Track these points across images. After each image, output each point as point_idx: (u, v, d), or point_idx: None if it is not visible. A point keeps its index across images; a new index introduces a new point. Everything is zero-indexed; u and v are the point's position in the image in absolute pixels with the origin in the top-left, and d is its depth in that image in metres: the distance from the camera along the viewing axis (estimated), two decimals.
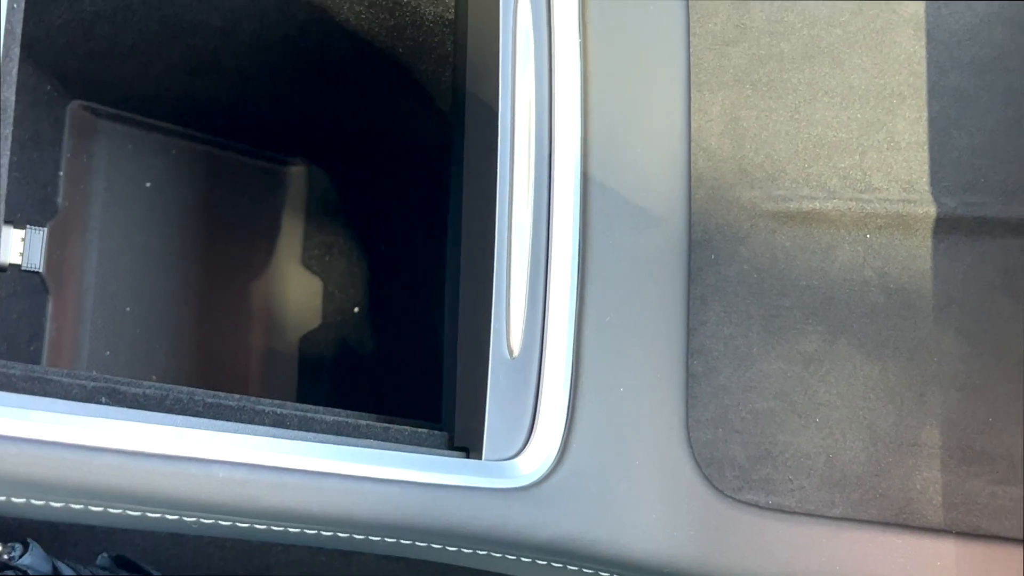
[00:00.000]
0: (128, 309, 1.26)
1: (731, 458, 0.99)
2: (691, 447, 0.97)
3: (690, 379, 0.99)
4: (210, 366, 1.33)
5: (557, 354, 0.94)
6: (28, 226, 1.00)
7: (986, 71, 1.04)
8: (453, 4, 1.07)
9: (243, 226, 1.37)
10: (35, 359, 1.16)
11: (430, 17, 1.11)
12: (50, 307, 1.18)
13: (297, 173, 1.40)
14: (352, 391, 1.35)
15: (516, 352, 0.94)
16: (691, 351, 1.00)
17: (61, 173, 1.21)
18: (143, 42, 1.13)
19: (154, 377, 1.26)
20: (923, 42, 1.04)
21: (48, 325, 1.18)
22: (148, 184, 1.29)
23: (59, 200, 1.21)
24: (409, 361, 1.32)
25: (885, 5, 1.05)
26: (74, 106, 1.23)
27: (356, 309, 1.37)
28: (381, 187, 1.38)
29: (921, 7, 1.05)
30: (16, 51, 0.79)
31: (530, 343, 0.94)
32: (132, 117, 1.27)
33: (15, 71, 0.80)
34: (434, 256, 1.20)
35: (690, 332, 1.00)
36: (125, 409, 0.78)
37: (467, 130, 1.00)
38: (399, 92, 1.23)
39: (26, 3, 0.81)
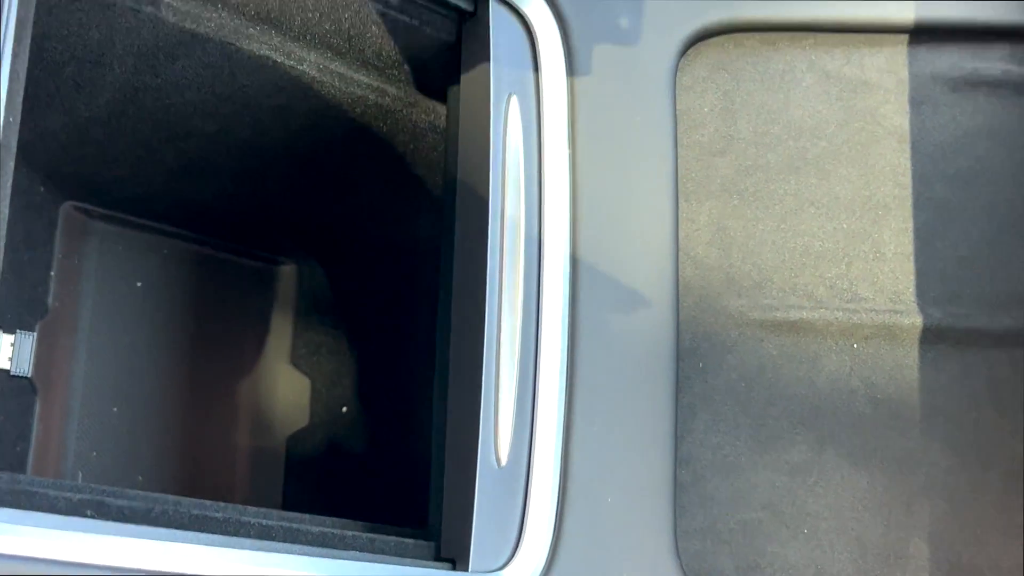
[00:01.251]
0: (115, 409, 1.25)
1: (719, 569, 0.99)
2: (679, 558, 0.97)
3: (678, 488, 0.99)
4: (196, 466, 1.32)
5: (545, 463, 0.94)
6: (18, 331, 1.00)
7: (970, 183, 1.06)
8: (445, 113, 1.09)
9: (232, 324, 1.37)
10: (21, 460, 1.15)
11: (423, 125, 1.13)
12: (37, 408, 1.18)
13: (287, 272, 1.40)
14: (338, 492, 1.34)
15: (504, 461, 0.94)
16: (679, 460, 1.00)
17: (52, 274, 1.21)
18: (136, 146, 1.14)
19: (140, 478, 1.25)
20: (908, 154, 1.06)
21: (35, 426, 1.17)
22: (139, 284, 1.29)
23: (49, 300, 1.21)
24: (397, 462, 1.31)
25: (870, 118, 1.06)
26: (67, 207, 1.23)
27: (344, 409, 1.37)
28: (371, 287, 1.38)
29: (905, 120, 1.06)
30: (11, 165, 0.80)
31: (518, 452, 0.94)
32: (124, 217, 1.27)
33: (9, 184, 0.81)
34: (423, 357, 1.20)
35: (678, 441, 1.00)
36: (111, 523, 0.77)
37: (457, 236, 1.01)
38: (390, 195, 1.24)
39: (22, 110, 0.82)
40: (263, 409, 1.38)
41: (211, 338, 1.35)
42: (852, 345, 1.03)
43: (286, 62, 1.03)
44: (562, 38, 1.01)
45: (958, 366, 1.03)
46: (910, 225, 1.05)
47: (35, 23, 0.86)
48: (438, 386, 0.99)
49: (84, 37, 0.97)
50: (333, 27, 1.01)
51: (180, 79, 1.04)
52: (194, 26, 0.98)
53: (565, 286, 0.98)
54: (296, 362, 1.39)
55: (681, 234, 1.04)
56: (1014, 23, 1.06)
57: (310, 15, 1.00)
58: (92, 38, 0.98)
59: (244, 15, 0.99)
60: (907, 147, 1.06)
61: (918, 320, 1.03)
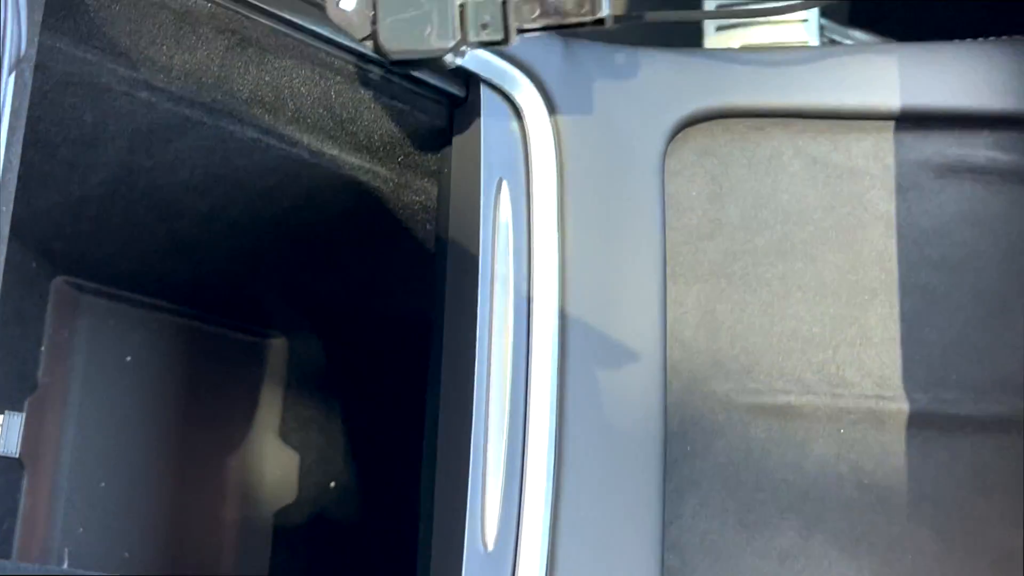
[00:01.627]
0: (103, 484, 1.25)
1: None
2: None
3: (666, 574, 0.99)
4: (183, 540, 1.32)
5: (532, 549, 0.94)
6: (6, 411, 1.00)
7: (955, 269, 1.06)
8: (435, 193, 1.10)
9: (222, 399, 1.37)
10: (7, 538, 1.15)
11: (414, 206, 1.14)
12: (25, 485, 1.18)
13: (278, 346, 1.41)
14: (326, 568, 1.34)
15: (491, 546, 0.94)
16: (667, 545, 1.00)
17: (43, 349, 1.22)
18: (129, 224, 1.15)
19: (126, 555, 1.25)
20: (893, 239, 1.07)
21: (22, 503, 1.17)
22: (128, 358, 1.29)
23: (39, 375, 1.21)
24: (385, 539, 1.31)
25: (857, 203, 1.07)
26: (58, 282, 1.24)
27: (332, 484, 1.37)
28: (361, 362, 1.38)
29: (892, 206, 1.07)
30: (3, 250, 0.81)
31: (505, 536, 0.94)
32: (115, 292, 1.28)
33: (1, 267, 0.81)
34: (413, 433, 1.20)
35: (666, 525, 1.00)
36: None
37: (446, 316, 1.01)
38: (381, 272, 1.25)
39: (15, 188, 0.82)
40: (251, 483, 1.37)
41: (200, 412, 1.35)
42: (839, 430, 1.03)
43: (279, 145, 1.04)
44: (552, 123, 1.02)
45: (945, 452, 1.03)
46: (896, 310, 1.05)
47: (29, 107, 0.86)
48: (426, 465, 0.99)
49: (78, 120, 0.98)
50: (326, 112, 1.02)
51: (174, 160, 1.05)
52: (188, 110, 0.99)
53: (553, 368, 0.98)
54: (285, 436, 1.39)
55: (669, 317, 1.05)
56: (999, 110, 1.07)
57: (303, 101, 1.01)
58: (86, 121, 0.99)
59: (238, 100, 1.00)
60: (893, 232, 1.07)
61: (904, 405, 1.03)
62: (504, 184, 1.01)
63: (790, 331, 1.05)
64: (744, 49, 1.44)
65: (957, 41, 1.10)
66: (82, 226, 1.15)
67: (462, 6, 0.90)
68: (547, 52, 1.03)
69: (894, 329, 1.05)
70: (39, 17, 0.82)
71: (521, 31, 0.92)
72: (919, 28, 1.57)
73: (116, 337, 1.28)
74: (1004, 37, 1.09)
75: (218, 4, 0.91)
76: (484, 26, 0.91)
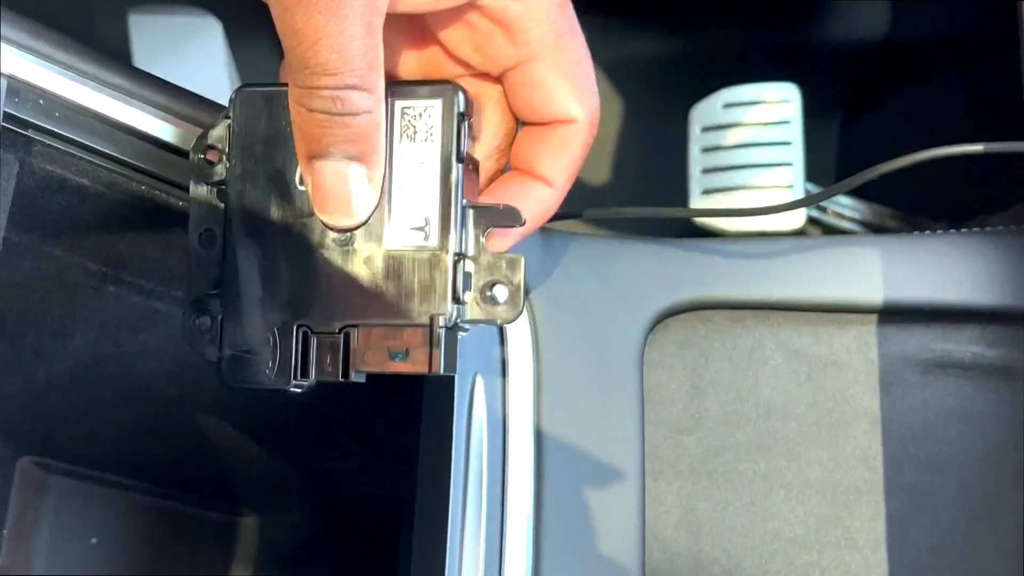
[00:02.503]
0: None
1: None
2: None
3: None
4: None
5: None
6: None
7: (942, 468, 1.04)
8: (409, 382, 1.07)
9: None
10: None
11: (390, 395, 1.11)
12: None
13: (249, 524, 1.37)
14: None
15: None
16: None
17: (5, 531, 1.18)
18: (96, 408, 1.12)
19: None
20: (878, 437, 1.05)
21: None
22: (94, 540, 1.25)
23: (0, 558, 1.18)
24: None
25: (840, 398, 1.05)
26: (24, 462, 1.21)
27: None
28: (333, 541, 1.35)
29: (876, 402, 1.05)
30: None
31: None
32: (82, 471, 1.25)
33: None
34: None
35: None
36: None
37: (418, 509, 0.99)
38: (354, 456, 1.22)
39: None
40: None
41: None
42: None
43: None
44: (528, 316, 1.01)
45: None
46: (882, 511, 1.03)
47: None
48: None
49: (45, 312, 0.97)
50: None
51: (142, 350, 1.03)
52: (158, 303, 0.97)
53: (528, 568, 0.95)
54: None
55: (649, 516, 1.02)
56: (983, 305, 1.06)
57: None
58: (54, 313, 0.97)
59: None
60: (878, 429, 1.05)
61: None
62: (479, 380, 0.98)
63: (773, 532, 1.02)
64: (724, 236, 1.44)
65: (940, 232, 1.09)
66: (49, 409, 1.12)
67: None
68: (524, 243, 1.02)
69: (879, 531, 1.02)
70: (3, 219, 0.80)
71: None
72: (906, 197, 1.57)
73: (81, 518, 1.25)
74: (988, 229, 1.08)
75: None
76: None
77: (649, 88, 1.87)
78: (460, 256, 0.78)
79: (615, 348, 1.04)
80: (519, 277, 0.80)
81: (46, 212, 0.88)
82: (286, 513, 1.37)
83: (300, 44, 0.69)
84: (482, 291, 0.80)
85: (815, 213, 1.54)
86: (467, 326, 0.80)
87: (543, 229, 1.03)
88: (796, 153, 1.54)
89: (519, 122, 0.85)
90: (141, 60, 1.52)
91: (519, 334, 1.00)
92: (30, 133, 0.81)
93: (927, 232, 1.09)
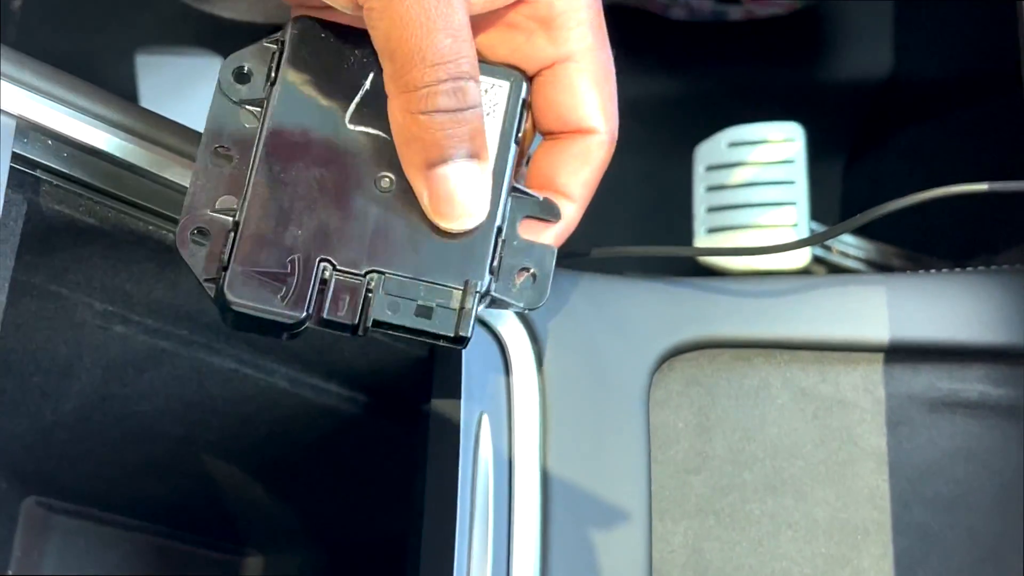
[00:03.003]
0: None
1: None
2: None
3: None
4: None
5: None
6: None
7: (950, 508, 1.03)
8: (416, 421, 1.07)
9: None
10: None
11: (394, 434, 1.12)
12: None
13: (254, 564, 1.37)
14: None
15: None
16: None
17: (10, 572, 1.18)
18: (101, 448, 1.13)
19: None
20: (886, 476, 1.04)
21: None
22: None
23: None
24: None
25: (847, 437, 1.05)
26: (28, 502, 1.21)
27: None
28: None
29: (883, 441, 1.05)
30: None
31: None
32: (87, 511, 1.25)
33: None
34: None
35: None
36: None
37: (423, 550, 0.99)
38: (359, 495, 1.22)
39: None
40: None
41: None
42: None
43: (256, 374, 1.03)
44: (535, 356, 1.01)
45: None
46: (890, 551, 1.02)
47: (2, 338, 0.85)
48: None
49: (51, 352, 0.97)
50: (304, 343, 1.01)
51: (148, 389, 1.04)
52: (164, 342, 0.98)
53: None
54: None
55: (655, 557, 1.01)
56: (990, 344, 1.06)
57: None
58: (60, 352, 0.97)
59: (215, 332, 0.98)
60: (885, 468, 1.04)
61: None
62: (485, 418, 0.98)
63: (781, 572, 1.02)
64: (730, 274, 1.44)
65: (946, 271, 1.09)
66: (54, 448, 1.13)
67: None
68: None
69: (888, 571, 1.02)
70: (11, 259, 0.81)
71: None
72: (911, 236, 1.57)
73: (85, 558, 1.25)
74: (994, 268, 1.08)
75: None
76: None
77: (654, 128, 1.87)
78: (501, 230, 0.77)
79: (621, 387, 1.03)
80: (549, 265, 0.80)
81: (54, 252, 0.89)
82: (291, 553, 1.36)
83: (413, 35, 0.66)
84: (510, 272, 0.79)
85: (820, 252, 1.54)
86: (488, 301, 0.79)
87: None
88: (800, 192, 1.54)
89: (533, 136, 0.84)
90: (148, 100, 1.53)
91: (525, 373, 1.00)
92: (38, 173, 0.82)
93: (932, 271, 1.10)
